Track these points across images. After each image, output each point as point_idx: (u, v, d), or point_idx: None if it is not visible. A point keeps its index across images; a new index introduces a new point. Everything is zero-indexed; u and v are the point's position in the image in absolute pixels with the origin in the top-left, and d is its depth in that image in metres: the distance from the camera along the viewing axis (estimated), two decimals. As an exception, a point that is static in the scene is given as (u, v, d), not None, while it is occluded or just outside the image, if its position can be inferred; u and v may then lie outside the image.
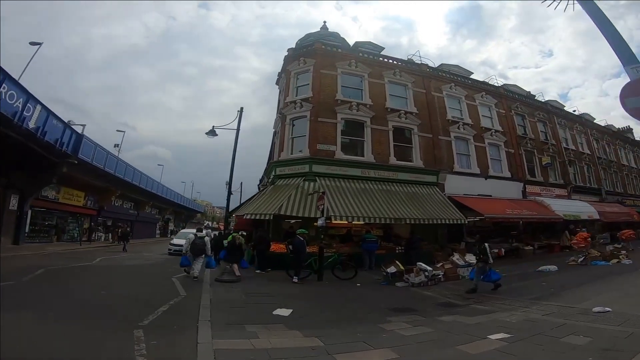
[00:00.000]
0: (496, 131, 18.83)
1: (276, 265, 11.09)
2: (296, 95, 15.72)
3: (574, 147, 23.31)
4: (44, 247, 18.52)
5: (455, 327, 5.44)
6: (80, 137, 18.67)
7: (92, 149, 20.35)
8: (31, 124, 14.14)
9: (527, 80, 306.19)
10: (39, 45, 18.04)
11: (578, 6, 5.29)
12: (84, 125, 19.73)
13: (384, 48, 18.85)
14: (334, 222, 12.15)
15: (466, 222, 14.08)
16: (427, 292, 8.83)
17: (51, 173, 18.32)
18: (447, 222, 13.79)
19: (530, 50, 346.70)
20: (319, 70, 15.70)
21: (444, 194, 15.56)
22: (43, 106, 14.90)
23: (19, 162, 16.24)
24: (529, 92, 23.94)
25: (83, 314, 5.57)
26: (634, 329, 4.77)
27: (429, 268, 9.93)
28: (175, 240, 18.84)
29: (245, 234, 16.68)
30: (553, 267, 11.23)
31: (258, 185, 22.72)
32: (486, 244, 8.81)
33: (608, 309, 5.75)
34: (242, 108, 17.16)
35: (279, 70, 18.23)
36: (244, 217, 13.84)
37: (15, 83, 13.21)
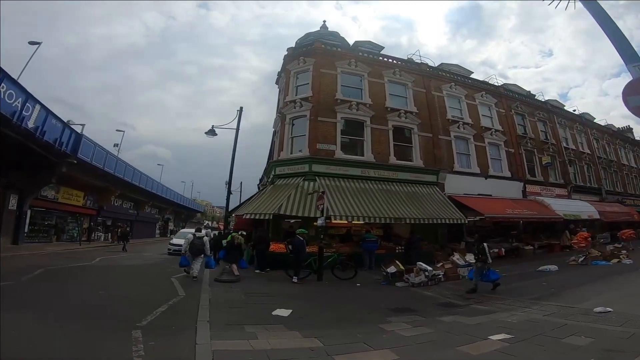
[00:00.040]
0: (496, 131, 18.80)
1: (276, 265, 11.05)
2: (296, 95, 15.68)
3: (574, 147, 23.29)
4: (43, 247, 18.49)
5: (455, 328, 5.41)
6: (79, 136, 18.66)
7: (92, 148, 20.33)
8: (30, 124, 14.11)
9: (527, 80, 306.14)
10: (37, 45, 18.00)
11: (579, 5, 5.25)
12: (83, 125, 19.76)
13: (383, 47, 18.82)
14: (333, 221, 12.13)
15: (466, 221, 14.06)
16: (427, 292, 8.80)
17: (50, 173, 18.31)
18: (447, 221, 13.77)
19: (530, 50, 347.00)
20: (319, 69, 15.66)
21: (444, 194, 15.52)
22: (42, 106, 14.88)
23: (18, 161, 16.21)
24: (529, 91, 23.89)
25: (81, 315, 5.53)
26: (636, 329, 4.74)
27: (429, 268, 9.90)
28: (175, 240, 18.82)
29: (245, 233, 16.66)
30: (553, 267, 11.19)
31: (258, 185, 22.69)
32: (485, 244, 8.75)
33: (609, 309, 5.72)
34: (241, 107, 17.16)
35: (279, 70, 18.20)
36: (244, 216, 13.81)
37: (14, 82, 13.18)
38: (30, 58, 17.59)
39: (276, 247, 12.08)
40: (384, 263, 10.76)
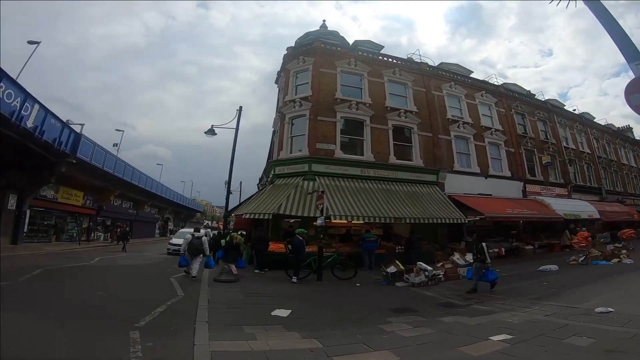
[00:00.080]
0: (496, 130, 18.77)
1: (275, 265, 11.01)
2: (295, 94, 15.64)
3: (574, 146, 23.27)
4: (42, 246, 18.45)
5: (456, 328, 5.37)
6: (78, 136, 18.63)
7: (91, 148, 20.31)
8: (29, 123, 14.08)
9: (527, 79, 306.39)
10: (36, 44, 17.95)
11: (580, 4, 5.23)
12: (82, 125, 19.70)
13: (383, 47, 18.76)
14: (333, 221, 12.08)
15: (466, 221, 14.02)
16: (427, 292, 8.77)
17: (50, 172, 18.28)
18: (447, 221, 13.73)
19: (529, 49, 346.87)
20: (319, 68, 15.61)
21: (444, 193, 15.49)
22: (41, 105, 14.84)
23: (17, 161, 16.17)
24: (529, 91, 23.85)
25: (78, 315, 5.49)
26: (638, 330, 4.70)
27: (429, 268, 9.86)
28: (174, 240, 18.79)
29: (244, 233, 16.63)
30: (554, 267, 11.15)
31: (257, 184, 22.65)
32: (484, 244, 8.70)
33: (611, 309, 5.68)
34: (241, 107, 17.09)
35: (279, 69, 18.14)
36: (243, 216, 13.77)
37: (13, 82, 13.15)
38: (30, 57, 17.58)
39: (276, 246, 12.04)
40: (383, 263, 10.73)
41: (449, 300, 7.77)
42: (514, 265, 12.06)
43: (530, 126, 20.89)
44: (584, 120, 26.11)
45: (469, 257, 10.94)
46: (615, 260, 12.08)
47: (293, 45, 17.48)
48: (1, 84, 12.17)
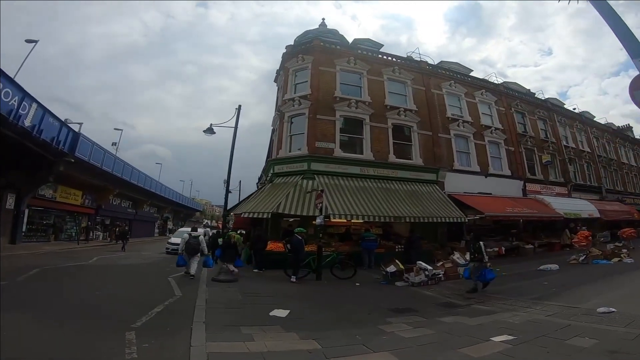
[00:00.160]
0: (496, 129, 18.71)
1: (274, 265, 10.95)
2: (294, 93, 15.57)
3: (574, 145, 23.23)
4: (41, 246, 18.38)
5: (456, 329, 5.30)
6: (77, 135, 18.54)
7: (90, 147, 20.20)
8: (27, 122, 13.98)
9: (527, 78, 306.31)
10: (34, 43, 17.84)
11: (581, 3, 5.18)
12: (80, 124, 19.61)
13: (383, 45, 18.67)
14: (332, 220, 12.04)
15: (466, 220, 13.98)
16: (427, 292, 8.71)
17: (48, 172, 18.18)
18: (447, 220, 13.68)
19: (529, 48, 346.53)
20: (318, 67, 15.54)
21: (444, 192, 15.45)
22: (39, 104, 14.74)
23: (15, 160, 16.07)
24: (529, 90, 23.80)
25: (74, 315, 5.42)
26: (640, 330, 4.64)
27: (429, 267, 9.80)
28: (173, 239, 18.77)
29: (244, 232, 16.58)
30: (554, 266, 11.10)
31: (257, 183, 22.59)
32: (481, 243, 8.60)
33: (613, 309, 5.62)
34: (240, 106, 17.00)
35: (278, 68, 18.05)
36: (242, 215, 13.71)
37: (11, 81, 13.05)
38: (27, 56, 17.47)
39: (275, 246, 11.99)
40: (383, 262, 10.66)
41: (449, 300, 7.70)
42: (514, 265, 12.01)
43: (530, 125, 20.84)
44: (583, 119, 26.08)
45: (469, 256, 10.88)
46: (616, 259, 12.05)
47: (292, 43, 17.40)
48: (-2, 82, 12.09)
